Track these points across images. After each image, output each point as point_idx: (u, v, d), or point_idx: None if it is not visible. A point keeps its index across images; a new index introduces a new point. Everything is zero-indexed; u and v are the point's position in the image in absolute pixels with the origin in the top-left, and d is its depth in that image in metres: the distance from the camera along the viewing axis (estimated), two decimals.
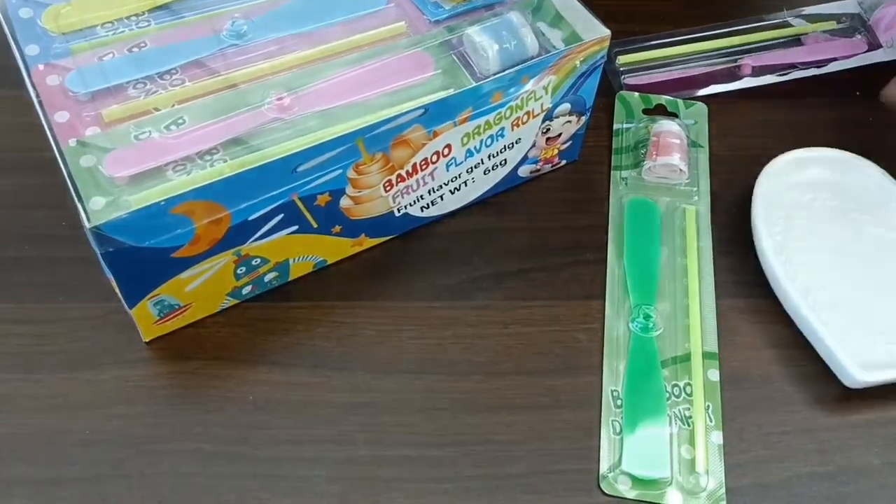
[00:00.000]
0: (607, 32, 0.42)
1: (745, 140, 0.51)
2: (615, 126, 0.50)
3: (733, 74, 0.53)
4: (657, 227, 0.46)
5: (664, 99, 0.51)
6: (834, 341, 0.40)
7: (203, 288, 0.39)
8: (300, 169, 0.37)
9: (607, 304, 0.43)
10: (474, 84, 0.39)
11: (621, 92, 0.52)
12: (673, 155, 0.47)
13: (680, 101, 0.51)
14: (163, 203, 0.34)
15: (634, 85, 0.52)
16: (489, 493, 0.37)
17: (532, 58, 0.41)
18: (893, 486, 0.38)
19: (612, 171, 0.48)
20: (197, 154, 0.37)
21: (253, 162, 0.36)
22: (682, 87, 0.53)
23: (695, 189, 0.47)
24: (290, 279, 0.43)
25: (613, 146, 0.49)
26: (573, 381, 0.41)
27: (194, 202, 0.35)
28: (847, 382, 0.40)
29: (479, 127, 0.41)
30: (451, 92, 0.39)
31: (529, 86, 0.41)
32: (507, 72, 0.40)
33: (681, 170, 0.47)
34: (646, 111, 0.51)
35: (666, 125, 0.49)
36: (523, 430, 0.39)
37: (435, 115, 0.39)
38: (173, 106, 0.38)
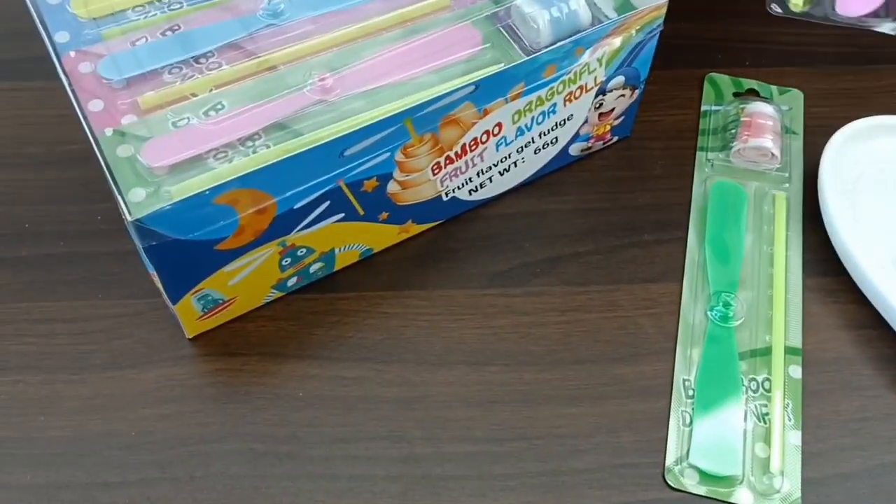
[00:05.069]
0: None
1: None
2: (703, 108, 0.48)
3: None
4: (743, 213, 0.43)
5: (755, 83, 0.49)
6: None
7: (247, 281, 0.37)
8: (347, 153, 0.35)
9: (684, 289, 0.41)
10: (526, 57, 0.37)
11: (711, 74, 0.49)
12: (765, 137, 0.44)
13: (773, 87, 0.48)
14: (207, 193, 0.32)
15: None
16: (555, 489, 0.35)
17: (584, 28, 0.39)
18: None
19: (696, 153, 0.46)
20: (238, 140, 0.35)
21: (298, 147, 0.34)
22: None
23: (786, 175, 0.45)
24: (335, 269, 0.41)
25: (700, 127, 0.47)
26: (639, 369, 0.39)
27: (239, 191, 0.33)
28: None
29: (530, 103, 0.39)
30: (502, 66, 0.37)
31: (584, 58, 0.39)
32: (561, 43, 0.37)
33: (773, 154, 0.44)
34: (736, 94, 0.48)
35: (759, 106, 0.45)
36: (587, 423, 0.37)
37: (486, 91, 0.37)
38: (210, 91, 0.36)
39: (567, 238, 0.43)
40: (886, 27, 0.42)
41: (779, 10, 0.43)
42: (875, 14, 0.42)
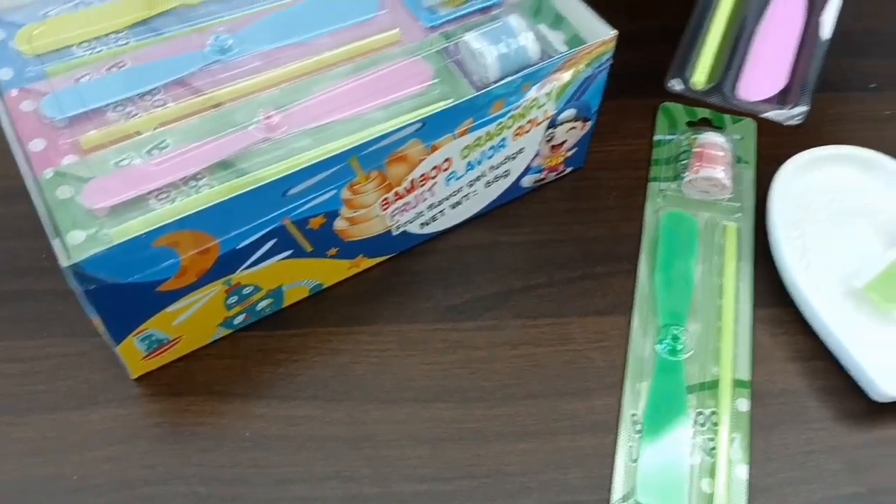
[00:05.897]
0: (613, 33, 0.39)
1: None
2: (656, 137, 0.48)
3: None
4: (694, 244, 0.43)
5: (709, 112, 0.49)
6: (860, 353, 0.38)
7: (192, 320, 0.37)
8: (291, 192, 0.35)
9: (634, 321, 0.41)
10: (475, 93, 0.37)
11: (665, 103, 0.49)
12: (716, 168, 0.44)
13: (726, 116, 0.49)
14: (145, 236, 0.32)
15: None
16: None
17: (533, 63, 0.39)
18: None
19: (649, 183, 0.46)
20: (181, 180, 0.35)
21: (241, 187, 0.33)
22: None
23: (738, 205, 0.45)
24: (284, 306, 0.41)
25: (653, 157, 0.47)
26: (589, 403, 0.39)
27: (179, 233, 0.33)
28: (875, 396, 0.38)
29: (479, 138, 0.39)
30: (450, 103, 0.37)
31: (532, 93, 0.39)
32: (508, 79, 0.38)
33: (724, 185, 0.44)
34: (690, 123, 0.49)
35: (711, 137, 0.46)
36: (537, 459, 0.37)
37: (433, 128, 0.37)
38: (155, 129, 0.36)
39: (519, 271, 0.43)
40: (774, 114, 0.42)
41: (679, 88, 0.43)
42: (774, 100, 0.43)
